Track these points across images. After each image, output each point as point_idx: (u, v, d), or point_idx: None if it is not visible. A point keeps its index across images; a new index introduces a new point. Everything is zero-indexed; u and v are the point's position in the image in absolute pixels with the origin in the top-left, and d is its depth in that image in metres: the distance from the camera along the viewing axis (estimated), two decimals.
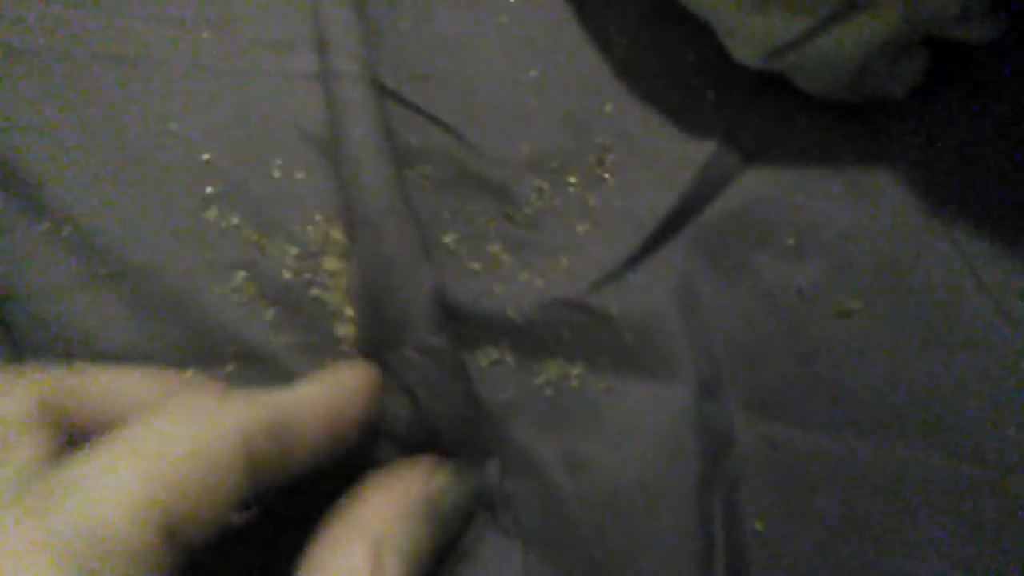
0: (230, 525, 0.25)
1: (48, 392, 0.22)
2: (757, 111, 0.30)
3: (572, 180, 0.30)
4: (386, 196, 0.27)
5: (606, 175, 0.30)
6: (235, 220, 0.30)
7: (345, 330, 0.29)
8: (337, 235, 0.30)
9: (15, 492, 0.18)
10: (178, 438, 0.19)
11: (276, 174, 0.30)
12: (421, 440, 0.28)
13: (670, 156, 0.30)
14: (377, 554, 0.23)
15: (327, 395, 0.25)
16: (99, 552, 0.17)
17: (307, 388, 0.24)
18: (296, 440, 0.23)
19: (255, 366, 0.29)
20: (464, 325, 0.29)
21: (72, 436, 0.21)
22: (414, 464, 0.27)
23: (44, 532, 0.16)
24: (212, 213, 0.30)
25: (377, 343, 0.28)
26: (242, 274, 0.29)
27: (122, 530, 0.17)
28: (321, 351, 0.29)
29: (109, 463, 0.18)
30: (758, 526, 0.27)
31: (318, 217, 0.30)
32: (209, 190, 0.30)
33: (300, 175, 0.30)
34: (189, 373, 0.28)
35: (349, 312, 0.29)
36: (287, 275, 0.29)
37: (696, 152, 0.30)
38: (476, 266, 0.30)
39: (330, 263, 0.30)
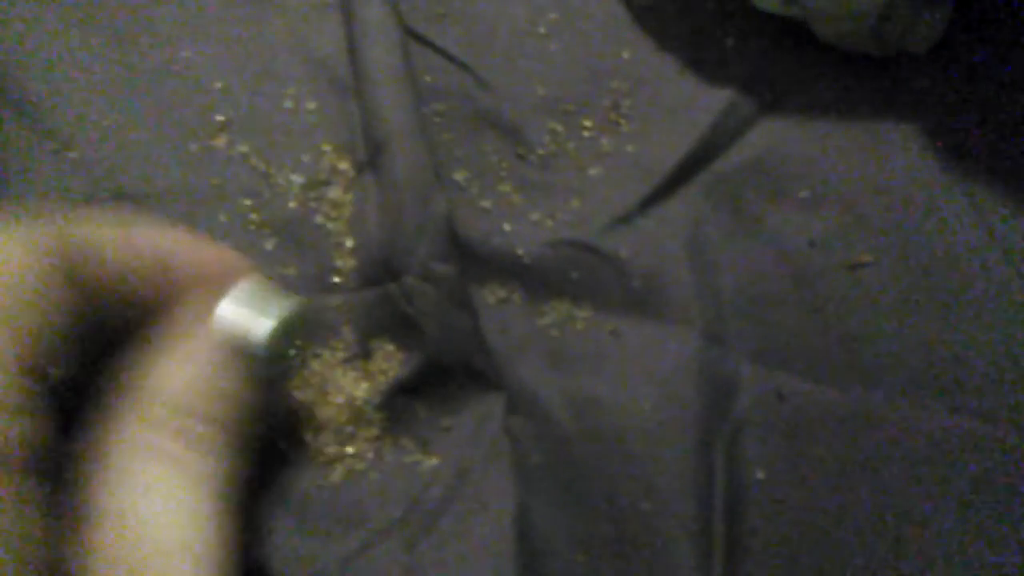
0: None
1: None
2: (776, 61, 0.30)
3: (586, 124, 0.30)
4: (401, 118, 0.27)
5: (621, 121, 0.30)
6: (243, 148, 0.30)
7: (345, 261, 0.29)
8: (344, 166, 0.29)
9: None
10: None
11: (287, 104, 0.30)
12: (426, 375, 0.27)
13: (686, 104, 0.30)
14: (176, 424, 0.21)
15: (151, 235, 0.22)
16: None
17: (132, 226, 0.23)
18: (113, 262, 0.21)
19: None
20: (473, 262, 0.28)
21: None
22: (197, 306, 0.23)
23: None
24: (221, 141, 0.30)
25: (379, 273, 0.28)
26: (247, 202, 0.29)
27: None
28: (319, 283, 0.29)
29: None
30: (760, 474, 0.27)
31: (326, 148, 0.30)
32: (219, 118, 0.30)
33: (311, 105, 0.30)
34: None
35: (350, 243, 0.29)
36: (292, 204, 0.29)
37: (712, 101, 0.30)
38: (487, 204, 0.29)
39: (335, 193, 0.29)
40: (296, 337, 0.25)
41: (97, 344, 0.22)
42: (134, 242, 0.22)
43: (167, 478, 0.20)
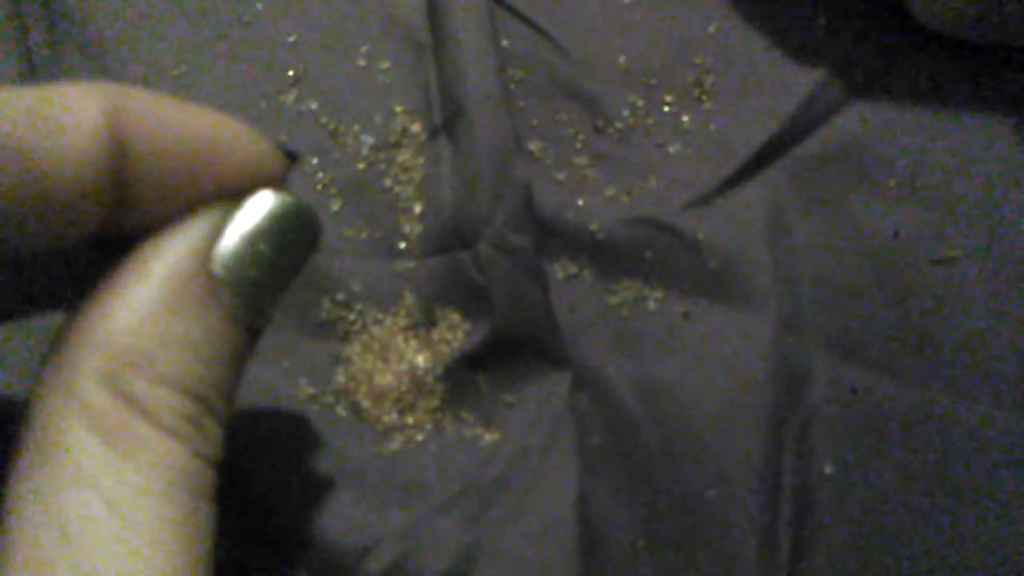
0: None
1: None
2: (870, 43, 0.29)
3: (668, 99, 0.29)
4: (483, 81, 0.26)
5: (704, 97, 0.29)
6: (313, 105, 0.29)
7: (412, 226, 0.28)
8: (416, 128, 0.28)
9: None
10: None
11: (361, 62, 0.29)
12: (491, 348, 0.27)
13: (773, 83, 0.29)
14: (119, 385, 0.15)
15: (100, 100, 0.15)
16: None
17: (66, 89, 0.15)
18: (44, 153, 0.14)
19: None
20: (544, 235, 0.27)
21: None
22: (170, 231, 0.16)
23: None
24: (291, 96, 0.29)
25: (448, 240, 0.27)
26: (314, 160, 0.28)
27: None
28: (385, 247, 0.28)
29: None
30: (828, 469, 0.26)
31: (398, 109, 0.29)
32: (290, 73, 0.29)
33: (385, 65, 0.29)
34: None
35: (419, 208, 0.28)
36: (360, 165, 0.28)
37: (801, 81, 0.28)
38: (561, 176, 0.28)
39: (405, 156, 0.28)
40: (295, 264, 0.18)
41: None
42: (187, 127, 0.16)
43: (108, 465, 0.14)
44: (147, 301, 0.15)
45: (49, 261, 0.18)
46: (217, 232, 0.16)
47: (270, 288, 0.17)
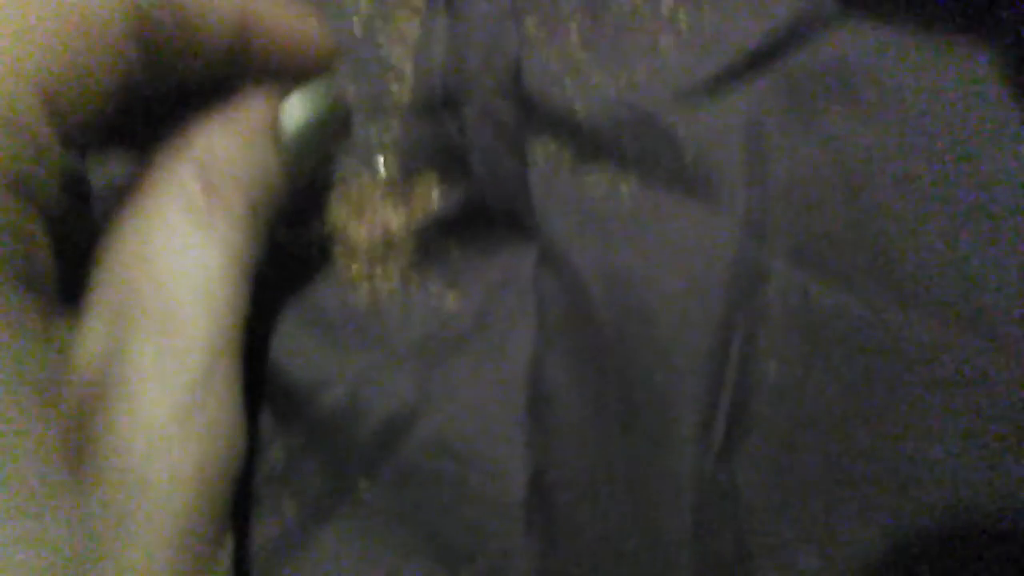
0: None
1: None
2: None
3: None
4: None
5: None
6: None
7: (401, 86, 0.28)
8: None
9: None
10: None
11: None
12: (465, 214, 0.27)
13: None
14: (208, 178, 0.20)
15: None
16: None
17: None
18: (198, 20, 0.20)
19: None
20: (528, 111, 0.28)
21: None
22: (253, 92, 0.23)
23: None
24: None
25: (435, 103, 0.27)
26: None
27: None
28: (371, 105, 0.28)
29: None
30: (772, 366, 0.27)
31: None
32: None
33: None
34: None
35: (408, 70, 0.28)
36: (355, 22, 0.28)
37: None
38: (551, 55, 0.29)
39: (402, 18, 0.29)
40: (331, 143, 0.25)
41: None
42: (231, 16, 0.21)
43: (193, 227, 0.19)
44: (238, 130, 0.21)
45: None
46: (288, 97, 0.23)
47: (313, 147, 0.24)
